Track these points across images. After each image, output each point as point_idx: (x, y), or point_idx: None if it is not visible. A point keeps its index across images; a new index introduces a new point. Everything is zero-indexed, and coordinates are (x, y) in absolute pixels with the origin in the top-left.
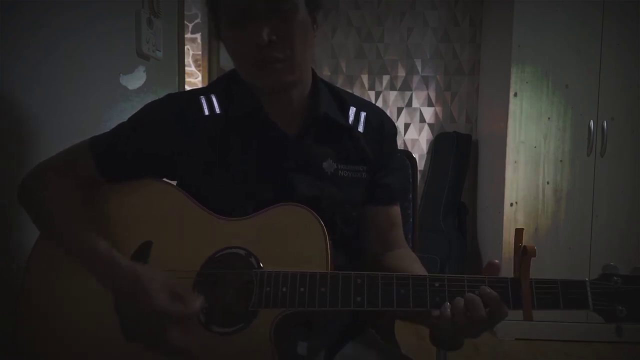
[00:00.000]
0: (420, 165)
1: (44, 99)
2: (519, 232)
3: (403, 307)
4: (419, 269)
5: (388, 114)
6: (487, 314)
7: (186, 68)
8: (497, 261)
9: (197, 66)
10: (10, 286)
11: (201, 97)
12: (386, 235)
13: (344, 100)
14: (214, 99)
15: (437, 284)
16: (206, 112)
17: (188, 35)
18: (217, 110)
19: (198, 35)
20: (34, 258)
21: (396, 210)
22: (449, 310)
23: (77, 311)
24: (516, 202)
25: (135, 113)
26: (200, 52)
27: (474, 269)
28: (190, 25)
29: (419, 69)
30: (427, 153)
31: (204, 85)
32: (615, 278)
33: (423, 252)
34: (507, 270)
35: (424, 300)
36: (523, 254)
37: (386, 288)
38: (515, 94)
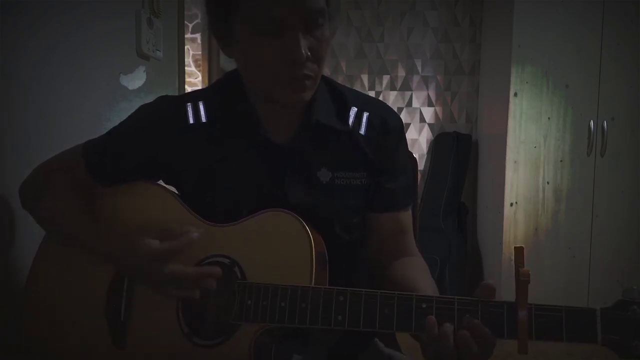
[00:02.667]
0: (420, 165)
1: (44, 99)
2: (518, 251)
3: (386, 329)
4: (422, 279)
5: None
6: (479, 349)
7: (186, 68)
8: (491, 282)
9: (197, 66)
10: (10, 289)
11: (188, 104)
12: (392, 242)
13: (345, 100)
14: (201, 107)
15: (424, 305)
16: (191, 121)
17: (188, 35)
18: (203, 119)
19: (198, 35)
20: (38, 261)
21: (404, 215)
22: (436, 329)
23: (70, 315)
24: (516, 202)
25: (129, 116)
26: (200, 52)
27: (474, 269)
28: (190, 25)
29: (419, 69)
30: (427, 153)
31: (199, 89)
32: (635, 307)
33: (423, 252)
34: (508, 272)
35: (408, 322)
36: (517, 279)
37: (369, 307)
38: (515, 94)
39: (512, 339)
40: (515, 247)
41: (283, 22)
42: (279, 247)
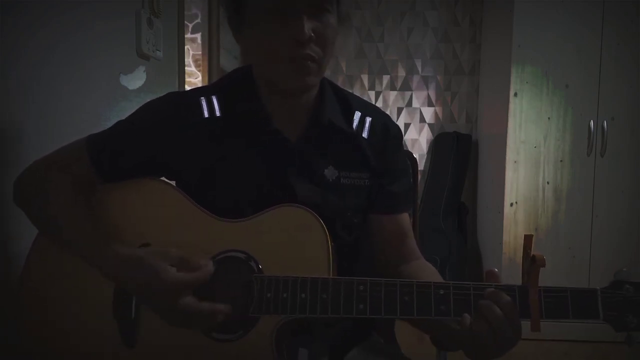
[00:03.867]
0: (420, 165)
1: (44, 99)
2: (528, 239)
3: (407, 315)
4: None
5: (388, 114)
6: (503, 314)
7: (186, 68)
8: (495, 270)
9: (197, 66)
10: (10, 289)
11: (202, 98)
12: (398, 245)
13: (349, 104)
14: (214, 101)
15: (442, 292)
16: (206, 115)
17: (188, 35)
18: (217, 113)
19: (198, 35)
20: (31, 261)
21: (405, 218)
22: (467, 320)
23: (76, 318)
24: (516, 202)
25: (135, 111)
26: (200, 52)
27: (474, 269)
28: (190, 25)
29: (419, 69)
30: (427, 153)
31: (206, 85)
32: (627, 286)
33: (423, 252)
34: (508, 271)
35: (428, 308)
36: (532, 263)
37: (389, 295)
38: (515, 94)
39: (525, 319)
40: (525, 235)
41: (289, 3)
42: (294, 240)
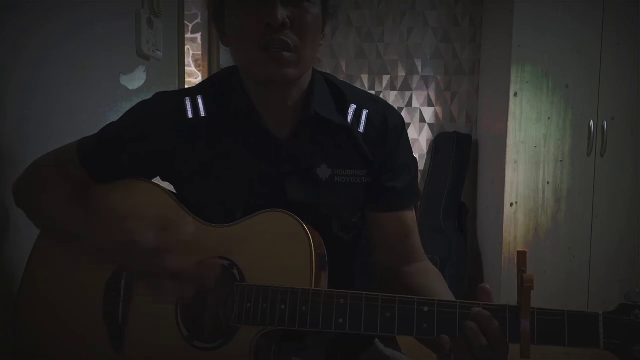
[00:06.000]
0: (420, 165)
1: (44, 99)
2: (521, 255)
3: (387, 333)
4: (441, 289)
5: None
6: (488, 342)
7: (186, 68)
8: (487, 286)
9: (197, 66)
10: (10, 290)
11: (187, 98)
12: (399, 245)
13: (344, 97)
14: (199, 101)
15: (425, 309)
16: (190, 115)
17: (188, 35)
18: (202, 113)
19: (198, 35)
20: (32, 262)
21: (408, 215)
22: (446, 343)
23: (67, 320)
24: (516, 202)
25: (125, 113)
26: (200, 52)
27: (474, 269)
28: (190, 25)
29: (419, 69)
30: (427, 153)
31: (195, 85)
32: (637, 311)
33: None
34: (508, 271)
35: (410, 325)
36: (521, 284)
37: (370, 310)
38: (515, 94)
39: (515, 343)
40: (518, 252)
41: None
42: (278, 248)
